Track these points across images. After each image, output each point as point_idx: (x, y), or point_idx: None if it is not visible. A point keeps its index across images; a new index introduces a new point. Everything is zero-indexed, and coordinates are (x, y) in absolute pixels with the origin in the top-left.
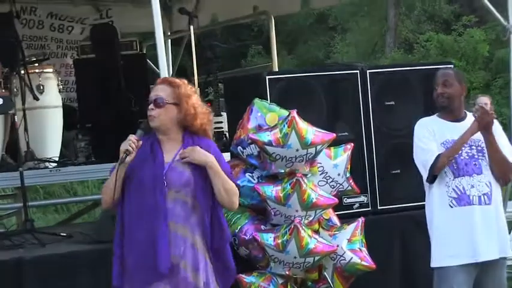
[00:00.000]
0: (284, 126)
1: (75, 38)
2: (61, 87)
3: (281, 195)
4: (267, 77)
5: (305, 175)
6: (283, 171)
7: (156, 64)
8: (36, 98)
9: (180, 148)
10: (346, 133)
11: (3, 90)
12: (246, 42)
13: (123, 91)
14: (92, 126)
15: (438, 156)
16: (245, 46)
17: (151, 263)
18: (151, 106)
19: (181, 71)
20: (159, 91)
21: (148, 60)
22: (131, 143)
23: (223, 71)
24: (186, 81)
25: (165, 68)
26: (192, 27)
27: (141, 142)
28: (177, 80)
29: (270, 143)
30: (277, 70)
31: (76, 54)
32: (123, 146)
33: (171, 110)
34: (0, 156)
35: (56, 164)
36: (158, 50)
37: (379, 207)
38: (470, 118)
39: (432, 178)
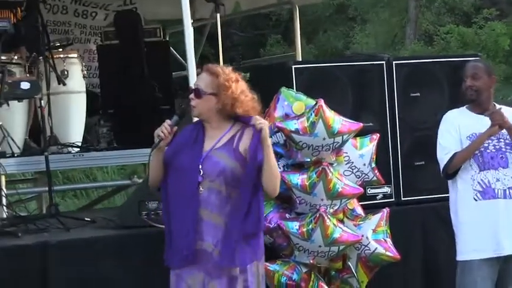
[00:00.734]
0: (311, 114)
1: (99, 24)
2: (85, 72)
3: (307, 183)
4: (293, 67)
5: (331, 164)
6: (309, 160)
7: (179, 51)
8: (63, 83)
9: (220, 137)
10: (371, 123)
11: (28, 75)
12: (265, 31)
13: (146, 78)
14: (114, 112)
15: (454, 155)
16: (263, 35)
17: (181, 249)
18: (191, 96)
19: (203, 59)
20: (200, 80)
21: (171, 48)
22: (164, 128)
23: (243, 59)
24: (227, 70)
25: (192, 56)
26: (218, 15)
27: (175, 128)
28: (217, 69)
29: (297, 132)
30: (301, 59)
31: (99, 40)
32: (157, 131)
33: (209, 100)
34: (23, 141)
35: (78, 149)
36: (186, 37)
37: (402, 199)
38: None
39: (445, 176)
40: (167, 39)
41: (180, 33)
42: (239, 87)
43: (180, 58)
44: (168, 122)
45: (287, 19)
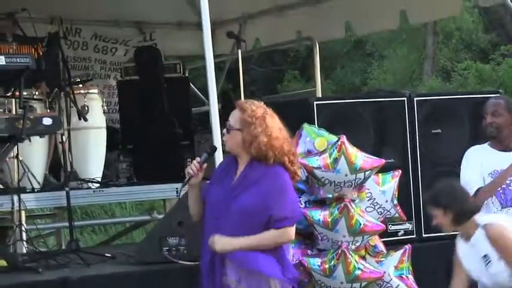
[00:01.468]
0: (333, 151)
1: (119, 59)
2: (105, 108)
3: (329, 220)
4: (315, 103)
5: (353, 200)
6: (331, 196)
7: (197, 87)
8: (84, 119)
9: (241, 173)
10: (392, 160)
11: (49, 111)
12: (282, 66)
13: (165, 113)
14: (133, 148)
15: (477, 190)
16: (280, 70)
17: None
18: (224, 130)
19: (224, 95)
20: (231, 115)
21: (190, 84)
22: (192, 166)
23: (259, 95)
24: (255, 106)
25: (214, 92)
26: (240, 51)
27: (205, 165)
28: (245, 104)
29: (319, 168)
30: (321, 96)
31: (119, 75)
32: (187, 169)
33: (236, 135)
34: (43, 176)
35: (98, 185)
36: (208, 73)
37: (423, 235)
38: None
39: None
40: (187, 75)
41: (199, 69)
42: (260, 126)
43: (200, 94)
44: (197, 159)
45: (305, 55)
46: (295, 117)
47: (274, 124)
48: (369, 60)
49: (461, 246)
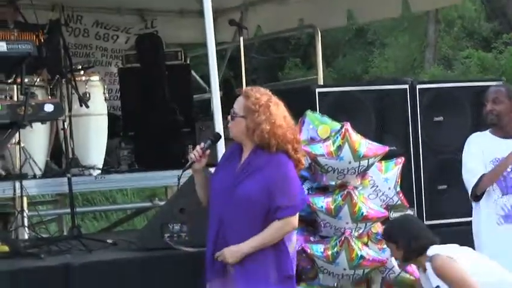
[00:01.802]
0: (337, 138)
1: (120, 47)
2: (106, 95)
3: (332, 207)
4: (317, 90)
5: (356, 188)
6: (334, 183)
7: (199, 74)
8: (86, 106)
9: (245, 160)
10: (394, 147)
11: (50, 97)
12: (284, 54)
13: (167, 101)
14: (135, 135)
15: (482, 176)
16: (282, 58)
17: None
18: (228, 117)
19: (225, 82)
20: (236, 102)
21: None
22: (195, 151)
23: (260, 82)
24: (260, 93)
25: (216, 80)
26: (241, 39)
27: (208, 151)
28: (250, 91)
29: (322, 155)
30: (322, 83)
31: (121, 63)
32: (190, 154)
33: (240, 122)
34: (45, 162)
35: (99, 171)
36: (210, 61)
37: (425, 222)
38: None
39: (475, 198)
40: (188, 62)
41: (200, 57)
42: (264, 114)
43: (201, 81)
44: (201, 145)
45: (306, 43)
46: (297, 105)
47: (278, 112)
48: (371, 49)
49: (421, 277)
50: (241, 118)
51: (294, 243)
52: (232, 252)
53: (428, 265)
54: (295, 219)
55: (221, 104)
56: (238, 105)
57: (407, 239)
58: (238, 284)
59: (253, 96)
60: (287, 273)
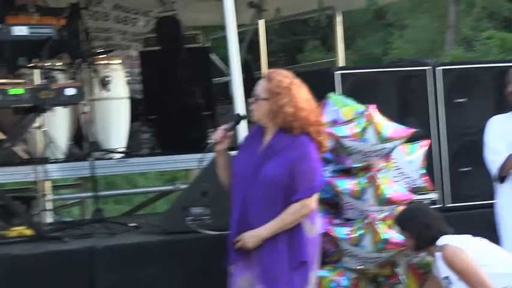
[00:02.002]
0: (362, 120)
1: (140, 30)
2: (127, 78)
3: (356, 189)
4: (337, 72)
5: (380, 170)
6: (358, 165)
7: (219, 58)
8: (106, 89)
9: (267, 143)
10: (418, 130)
11: (71, 81)
12: (303, 37)
13: (187, 84)
14: (156, 118)
15: (509, 156)
16: (301, 41)
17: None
18: (251, 100)
19: (245, 65)
20: (259, 85)
21: (212, 54)
22: (218, 133)
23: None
24: (282, 76)
25: (236, 63)
26: (262, 21)
27: (230, 133)
28: (272, 74)
29: (346, 137)
30: (343, 65)
31: (140, 46)
32: (213, 136)
33: (262, 105)
34: (66, 146)
35: (121, 155)
36: (229, 44)
37: (448, 205)
38: None
39: (500, 179)
40: (208, 45)
41: (220, 40)
42: (287, 96)
43: (221, 64)
44: (224, 127)
45: (325, 25)
46: (316, 87)
47: (301, 94)
48: (390, 30)
49: (434, 265)
50: (264, 101)
51: (318, 226)
52: (251, 237)
53: (438, 255)
54: (312, 202)
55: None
56: (261, 88)
57: (418, 229)
58: (257, 267)
59: (276, 78)
60: (301, 258)
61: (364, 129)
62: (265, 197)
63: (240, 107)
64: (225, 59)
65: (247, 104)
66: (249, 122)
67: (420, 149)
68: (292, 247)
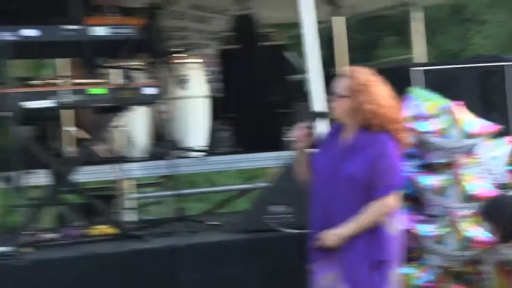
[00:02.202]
0: (445, 115)
1: (216, 28)
2: (206, 77)
3: (440, 185)
4: (415, 69)
5: (464, 166)
6: (442, 161)
7: (296, 55)
8: (185, 88)
9: (348, 141)
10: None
11: (150, 81)
12: (380, 33)
13: (264, 82)
14: (235, 117)
15: None
16: (377, 37)
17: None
18: (330, 97)
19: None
20: (339, 82)
21: (287, 52)
22: (299, 130)
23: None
24: (361, 73)
25: (314, 60)
26: (342, 18)
27: (309, 130)
28: (352, 72)
29: (429, 133)
30: (421, 62)
31: (217, 45)
32: (292, 134)
33: (343, 102)
34: (146, 145)
35: (201, 154)
36: (306, 41)
37: None
38: None
39: None
40: (284, 43)
41: (296, 37)
42: (368, 94)
43: (296, 62)
44: (302, 124)
45: (403, 20)
46: (396, 83)
47: (382, 92)
48: (468, 26)
49: None
50: (343, 98)
51: (399, 223)
52: (332, 236)
53: None
54: (391, 199)
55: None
56: (342, 85)
57: (504, 222)
58: (338, 266)
59: (357, 76)
60: (381, 257)
61: (447, 125)
62: (346, 194)
63: (317, 105)
64: (301, 57)
65: (325, 102)
66: (327, 120)
67: (505, 145)
68: (373, 245)
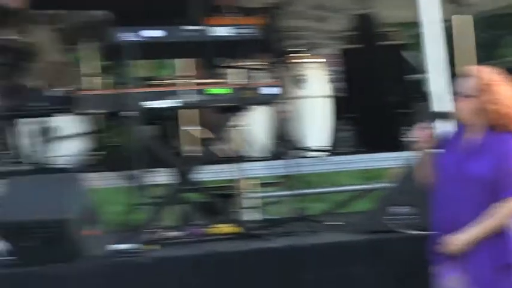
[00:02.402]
0: None
1: (335, 28)
2: (328, 77)
3: None
4: None
5: None
6: None
7: (417, 54)
8: (303, 88)
9: (473, 141)
10: None
11: (271, 80)
12: (502, 31)
13: (385, 82)
14: (356, 116)
15: None
16: (500, 36)
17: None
18: (454, 97)
19: None
20: (463, 82)
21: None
22: (418, 131)
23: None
24: (488, 74)
25: (439, 60)
26: (469, 16)
27: (434, 131)
28: (478, 71)
29: None
30: None
31: (337, 44)
32: (412, 135)
33: (467, 103)
34: (267, 144)
35: (322, 153)
36: (426, 40)
37: None
38: None
39: None
40: (404, 42)
41: (416, 37)
42: (491, 93)
43: (413, 62)
44: (423, 125)
45: None
46: None
47: (504, 92)
48: None
49: None
50: (470, 98)
51: None
52: (456, 241)
53: None
54: None
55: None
56: (467, 85)
57: None
58: (464, 269)
59: (481, 75)
60: (507, 260)
61: None
62: (471, 195)
63: (438, 105)
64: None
65: (449, 102)
66: (447, 120)
67: None
68: (499, 248)
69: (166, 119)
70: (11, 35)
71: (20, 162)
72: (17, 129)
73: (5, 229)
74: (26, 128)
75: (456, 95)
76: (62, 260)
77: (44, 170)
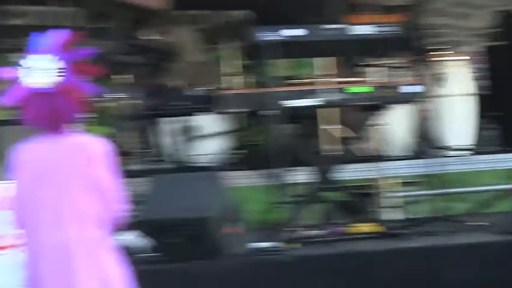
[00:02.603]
0: None
1: (480, 25)
2: (472, 75)
3: None
4: None
5: None
6: None
7: None
8: (442, 86)
9: None
10: None
11: (412, 79)
12: None
13: None
14: (501, 115)
15: None
16: None
17: None
18: None
19: None
20: None
21: None
22: None
23: None
24: None
25: None
26: None
27: None
28: None
29: None
30: None
31: (480, 41)
32: None
33: None
34: (408, 144)
35: (466, 152)
36: None
37: None
38: None
39: None
40: None
41: None
42: None
43: None
44: None
45: None
46: None
47: None
48: None
49: None
50: None
51: None
52: None
53: None
54: None
55: None
56: None
57: None
58: None
59: None
60: None
61: None
62: None
63: None
64: None
65: None
66: None
67: None
68: None
69: (306, 118)
70: (154, 36)
71: (162, 161)
72: (158, 128)
73: (149, 226)
74: (168, 127)
75: None
76: (203, 257)
77: (185, 168)
